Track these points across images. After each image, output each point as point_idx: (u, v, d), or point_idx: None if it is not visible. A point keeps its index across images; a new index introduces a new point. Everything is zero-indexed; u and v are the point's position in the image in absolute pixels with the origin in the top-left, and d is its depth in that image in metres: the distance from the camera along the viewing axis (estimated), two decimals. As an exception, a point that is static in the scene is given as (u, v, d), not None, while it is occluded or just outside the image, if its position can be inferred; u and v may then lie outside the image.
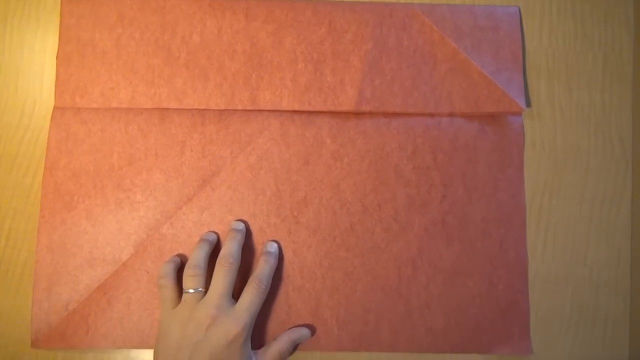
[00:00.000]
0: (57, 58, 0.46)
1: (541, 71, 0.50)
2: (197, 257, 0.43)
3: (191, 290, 0.41)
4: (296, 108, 0.47)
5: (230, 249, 0.43)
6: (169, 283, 0.42)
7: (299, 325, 0.45)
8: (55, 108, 0.46)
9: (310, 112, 0.47)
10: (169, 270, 0.43)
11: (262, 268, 0.43)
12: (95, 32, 0.47)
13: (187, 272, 0.42)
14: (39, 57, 0.48)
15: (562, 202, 0.48)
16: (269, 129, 0.47)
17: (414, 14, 0.48)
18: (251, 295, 0.42)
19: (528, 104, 0.49)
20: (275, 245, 0.45)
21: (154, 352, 0.41)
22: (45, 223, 0.45)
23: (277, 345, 0.43)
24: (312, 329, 0.45)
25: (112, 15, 0.47)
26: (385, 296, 0.46)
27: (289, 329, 0.45)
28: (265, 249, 0.45)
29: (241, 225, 0.45)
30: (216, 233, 0.45)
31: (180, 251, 0.45)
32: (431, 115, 0.48)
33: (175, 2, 0.47)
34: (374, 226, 0.46)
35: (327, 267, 0.46)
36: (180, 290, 0.42)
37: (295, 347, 0.44)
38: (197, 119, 0.46)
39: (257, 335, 0.44)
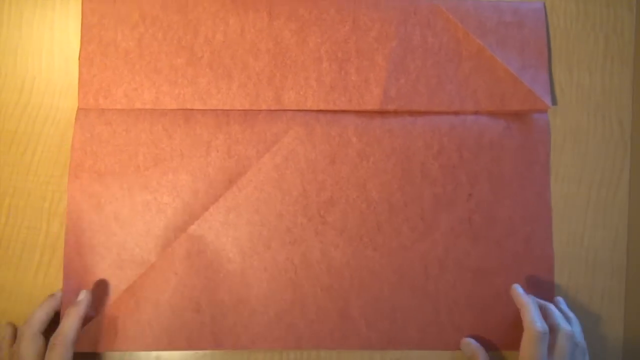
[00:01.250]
0: (79, 58, 0.46)
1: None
2: None
3: None
4: (321, 107, 0.46)
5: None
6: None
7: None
8: (79, 109, 0.46)
9: (335, 111, 0.47)
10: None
11: (62, 323, 0.41)
12: (118, 32, 0.46)
13: None
14: (37, 34, 0.48)
15: (560, 183, 0.48)
16: (294, 129, 0.46)
17: (438, 10, 0.48)
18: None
19: (554, 101, 0.49)
20: (85, 292, 0.43)
21: None
22: (73, 226, 0.44)
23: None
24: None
25: (134, 14, 0.46)
26: (413, 295, 0.46)
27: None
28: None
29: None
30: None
31: (208, 253, 0.45)
32: (456, 113, 0.47)
33: (197, 1, 0.47)
34: (400, 225, 0.46)
35: (355, 266, 0.46)
36: None
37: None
38: (222, 119, 0.46)
39: (288, 335, 0.45)
